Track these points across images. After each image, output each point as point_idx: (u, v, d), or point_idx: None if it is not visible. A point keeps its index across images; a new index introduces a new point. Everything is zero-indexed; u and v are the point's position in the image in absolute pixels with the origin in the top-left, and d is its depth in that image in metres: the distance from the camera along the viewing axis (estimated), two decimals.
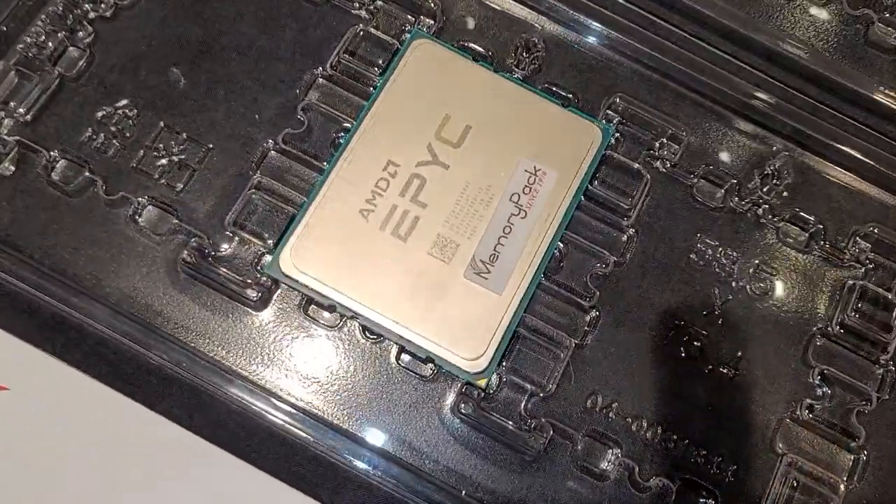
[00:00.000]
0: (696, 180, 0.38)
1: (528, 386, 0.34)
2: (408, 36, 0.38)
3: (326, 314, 0.34)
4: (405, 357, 0.34)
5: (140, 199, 0.35)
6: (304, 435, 0.32)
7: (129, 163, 0.35)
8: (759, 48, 0.39)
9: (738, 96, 0.39)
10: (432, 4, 0.38)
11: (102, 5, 0.37)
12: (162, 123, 0.36)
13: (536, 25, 0.39)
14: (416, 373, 0.34)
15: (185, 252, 0.34)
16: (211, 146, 0.36)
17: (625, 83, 0.38)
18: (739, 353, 0.36)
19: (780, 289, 0.37)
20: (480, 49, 0.38)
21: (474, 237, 0.34)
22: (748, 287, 0.36)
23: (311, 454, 0.32)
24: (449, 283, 0.33)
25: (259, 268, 0.34)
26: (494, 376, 0.34)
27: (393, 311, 0.33)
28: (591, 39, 0.39)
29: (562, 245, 0.36)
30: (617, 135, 0.38)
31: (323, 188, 0.34)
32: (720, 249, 0.37)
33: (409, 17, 0.38)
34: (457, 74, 0.37)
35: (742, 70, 0.39)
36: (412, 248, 0.34)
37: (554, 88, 0.38)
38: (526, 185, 0.35)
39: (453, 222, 0.34)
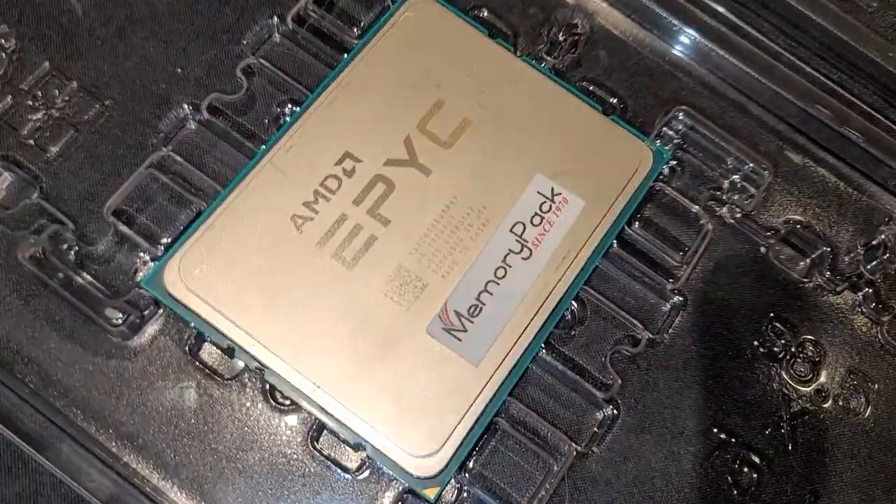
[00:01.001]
0: (774, 241, 0.27)
1: None
2: None
3: (220, 358, 0.24)
4: (325, 439, 0.23)
5: None
6: None
7: None
8: (882, 75, 0.28)
9: (847, 134, 0.28)
10: None
11: None
12: (48, 64, 0.26)
13: (581, 2, 0.29)
14: (337, 463, 0.23)
15: (33, 240, 0.23)
16: (108, 103, 0.26)
17: (692, 96, 0.28)
18: (814, 493, 0.24)
19: (879, 407, 0.26)
20: (501, 24, 0.28)
21: (451, 277, 0.23)
22: (833, 398, 0.25)
23: None
24: (404, 339, 0.23)
25: (136, 280, 0.24)
26: (451, 485, 0.23)
27: (316, 369, 0.22)
28: (655, 33, 0.29)
29: (576, 305, 0.25)
30: (674, 162, 0.27)
31: (246, 178, 0.24)
32: (797, 340, 0.26)
33: None
34: (462, 50, 0.26)
35: (855, 103, 0.28)
36: (359, 281, 0.23)
37: (594, 89, 0.28)
38: (537, 214, 0.24)
39: (424, 251, 0.24)
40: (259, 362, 0.22)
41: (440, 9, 0.27)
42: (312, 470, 0.23)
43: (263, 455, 0.23)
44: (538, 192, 0.25)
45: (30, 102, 0.25)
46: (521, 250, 0.24)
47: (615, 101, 0.28)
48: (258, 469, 0.23)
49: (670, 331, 0.25)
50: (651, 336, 0.25)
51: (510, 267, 0.24)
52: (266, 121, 0.26)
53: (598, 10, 0.29)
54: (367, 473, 0.23)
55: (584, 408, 0.24)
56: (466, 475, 0.23)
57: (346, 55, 0.27)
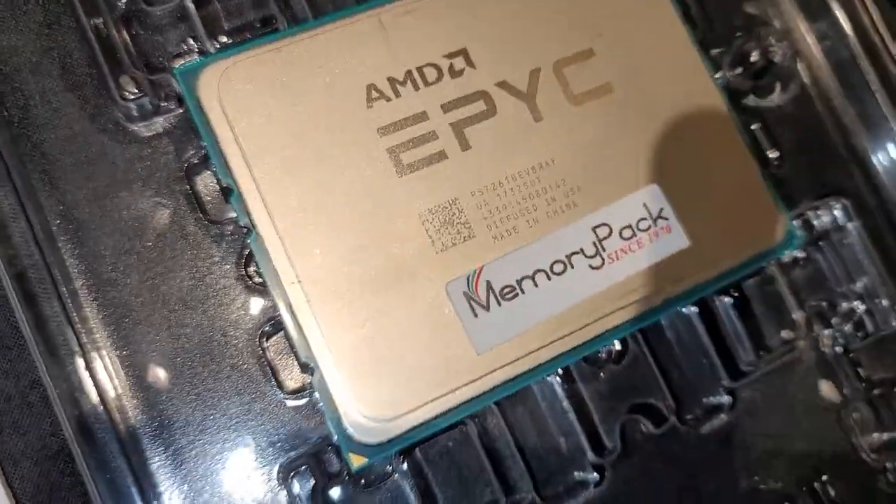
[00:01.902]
0: (859, 395, 0.22)
1: None
2: None
3: (215, 194, 0.20)
4: (277, 341, 0.19)
5: None
6: None
7: None
8: None
9: None
10: None
11: None
12: None
13: (781, 16, 0.24)
14: (275, 373, 0.19)
15: None
16: None
17: (860, 195, 0.23)
18: None
19: None
20: (696, 7, 0.23)
21: (503, 243, 0.19)
22: None
23: None
24: (417, 281, 0.19)
25: (173, 64, 0.20)
26: (381, 464, 0.19)
27: (307, 262, 0.18)
28: (856, 111, 0.24)
29: (617, 345, 0.21)
30: (800, 253, 0.22)
31: (344, 20, 0.20)
32: None
33: None
34: (643, 12, 0.22)
35: None
36: (402, 191, 0.19)
37: (758, 127, 0.23)
38: (630, 227, 0.20)
39: (489, 199, 0.19)
40: (251, 220, 0.18)
41: None
42: (247, 366, 0.19)
43: (204, 321, 0.19)
44: (644, 205, 0.20)
45: None
46: (594, 256, 0.20)
47: (774, 152, 0.23)
48: (191, 332, 0.19)
49: (702, 428, 0.21)
50: (678, 423, 0.21)
51: (572, 267, 0.19)
52: None
53: (807, 52, 0.24)
54: (300, 402, 0.19)
55: (566, 459, 0.20)
56: (404, 462, 0.19)
57: None
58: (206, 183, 0.20)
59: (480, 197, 0.19)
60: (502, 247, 0.19)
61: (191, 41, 0.20)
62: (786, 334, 0.22)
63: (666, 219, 0.20)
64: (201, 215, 0.19)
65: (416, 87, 0.20)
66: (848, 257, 0.22)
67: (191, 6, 0.20)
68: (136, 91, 0.19)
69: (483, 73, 0.20)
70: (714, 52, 0.23)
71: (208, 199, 0.20)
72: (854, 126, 0.24)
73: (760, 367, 0.21)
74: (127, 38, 0.20)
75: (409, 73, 0.20)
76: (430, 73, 0.20)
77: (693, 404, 0.21)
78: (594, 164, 0.20)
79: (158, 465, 0.18)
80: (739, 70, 0.23)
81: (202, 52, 0.20)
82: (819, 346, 0.22)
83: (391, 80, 0.20)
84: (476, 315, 0.19)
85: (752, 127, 0.23)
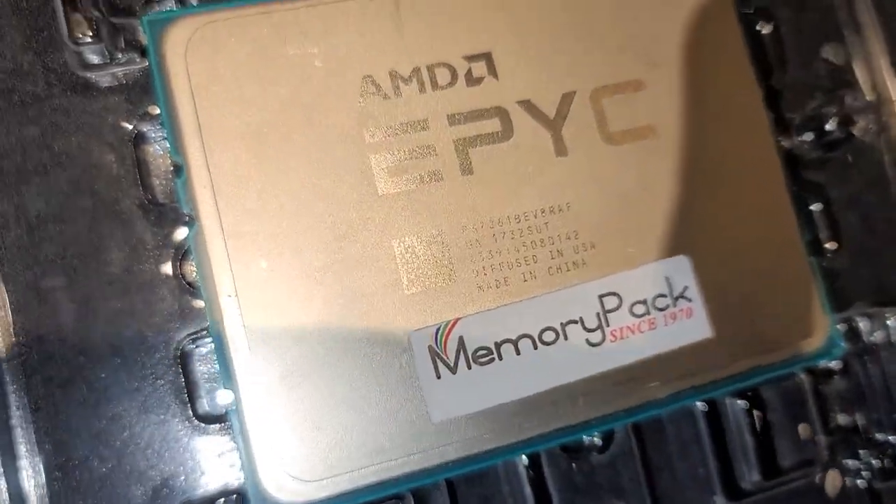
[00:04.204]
0: None
1: None
2: None
3: (163, 167, 0.17)
4: (203, 352, 0.16)
5: None
6: None
7: None
8: None
9: None
10: None
11: None
12: None
13: (867, 71, 0.20)
14: (190, 390, 0.16)
15: None
16: None
17: None
18: None
19: None
20: (773, 52, 0.20)
21: (486, 296, 0.16)
22: None
23: None
24: (376, 321, 0.15)
25: (141, 8, 0.17)
26: None
27: (250, 274, 0.15)
28: None
29: (598, 438, 0.17)
30: (838, 367, 0.19)
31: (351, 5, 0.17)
32: None
33: None
34: (711, 50, 0.18)
35: None
36: (381, 213, 0.16)
37: (818, 206, 0.19)
38: (645, 302, 0.17)
39: (483, 241, 0.16)
40: (195, 210, 0.15)
41: None
42: (160, 379, 0.16)
43: (120, 316, 0.16)
44: (666, 278, 0.17)
45: None
46: (594, 330, 0.16)
47: (832, 243, 0.19)
48: (102, 325, 0.16)
49: None
50: None
51: (565, 338, 0.16)
52: None
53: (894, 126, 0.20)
54: (213, 434, 0.16)
55: None
56: None
57: None
58: (154, 151, 0.17)
59: (472, 234, 0.16)
60: (486, 300, 0.16)
61: None
62: (802, 457, 0.18)
63: (689, 300, 0.17)
64: (143, 192, 0.16)
65: (422, 89, 0.16)
66: (894, 380, 0.19)
67: None
68: (91, 35, 0.16)
69: (506, 85, 0.17)
70: (784, 106, 0.19)
71: (156, 174, 0.17)
72: None
73: (765, 489, 0.18)
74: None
75: (416, 70, 0.16)
76: (443, 75, 0.16)
77: None
78: (617, 217, 0.17)
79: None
80: (809, 136, 0.19)
81: (181, 2, 0.17)
82: (843, 479, 0.19)
83: (393, 75, 0.16)
84: (439, 376, 0.15)
85: (812, 207, 0.19)
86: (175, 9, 0.16)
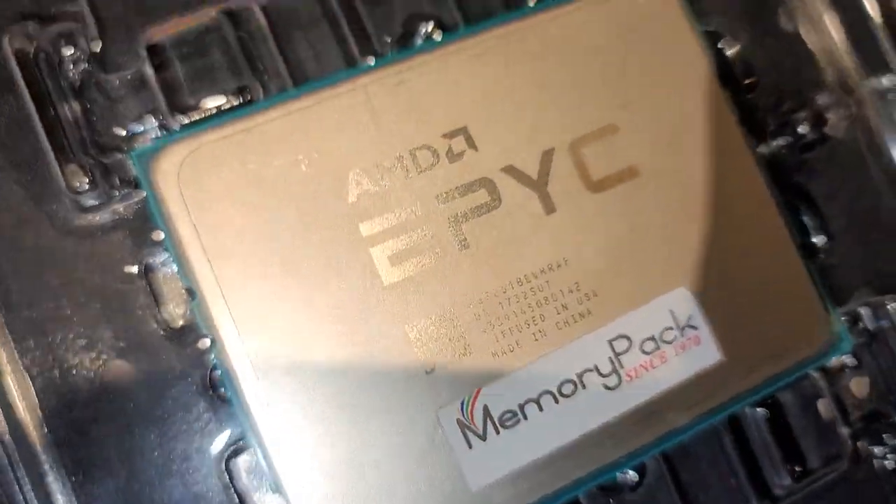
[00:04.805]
0: None
1: None
2: None
3: (177, 291, 0.17)
4: (240, 459, 0.17)
5: None
6: None
7: None
8: None
9: None
10: None
11: None
12: None
13: (855, 100, 0.21)
14: (242, 494, 0.17)
15: (33, 29, 0.17)
16: None
17: None
18: None
19: None
20: (735, 55, 0.20)
21: (503, 361, 0.17)
22: None
23: None
24: (402, 404, 0.16)
25: (127, 142, 0.17)
26: None
27: (272, 377, 0.16)
28: None
29: (632, 472, 0.18)
30: (851, 360, 0.19)
31: (325, 91, 0.17)
32: None
33: None
34: (676, 78, 0.19)
35: None
36: (387, 300, 0.16)
37: (805, 208, 0.20)
38: (654, 339, 0.17)
39: (490, 309, 0.17)
40: (214, 331, 0.16)
41: (678, 11, 0.19)
42: (212, 494, 0.17)
43: (163, 441, 0.17)
44: (670, 311, 0.17)
45: None
46: (610, 374, 0.17)
47: (821, 237, 0.20)
48: (149, 453, 0.17)
49: None
50: None
51: (584, 388, 0.17)
52: (389, 37, 0.19)
53: (867, 115, 0.21)
54: None
55: None
56: None
57: (533, 1, 0.19)
58: (168, 278, 0.17)
59: (479, 307, 0.17)
60: (503, 365, 0.17)
61: (150, 117, 0.17)
62: (828, 452, 0.19)
63: (695, 328, 0.18)
64: (162, 318, 0.17)
65: (408, 174, 0.17)
66: None
67: (150, 73, 0.17)
68: (87, 182, 0.17)
69: (486, 156, 0.17)
70: (757, 116, 0.20)
71: (171, 298, 0.17)
72: None
73: (796, 492, 0.19)
74: (79, 111, 0.17)
75: (399, 157, 0.17)
76: (424, 157, 0.17)
77: None
78: (614, 263, 0.17)
79: None
80: (786, 140, 0.20)
81: (164, 128, 0.17)
82: (871, 461, 0.19)
83: (378, 166, 0.17)
84: (471, 445, 0.16)
85: (800, 208, 0.20)
86: (160, 137, 0.17)
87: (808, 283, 0.19)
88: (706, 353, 0.17)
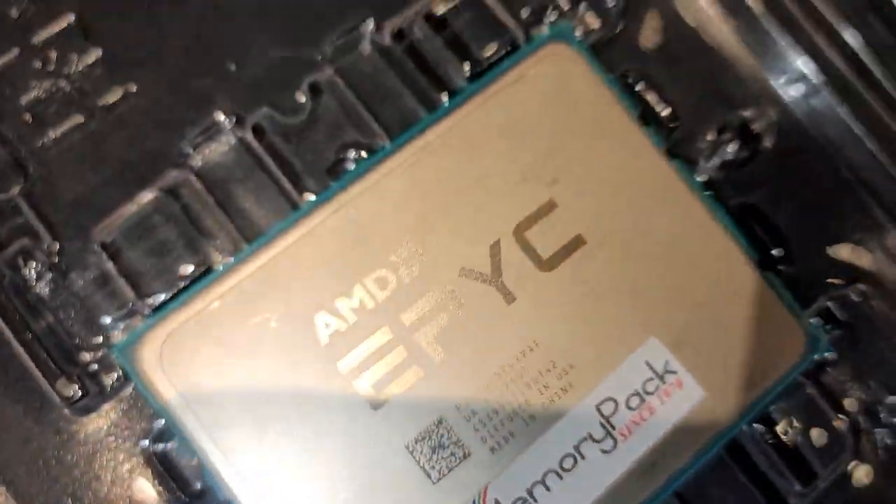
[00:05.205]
0: None
1: None
2: (545, 32, 0.21)
3: (190, 465, 0.18)
4: None
5: None
6: None
7: None
8: None
9: None
10: None
11: None
12: (73, 18, 0.20)
13: (774, 108, 0.21)
14: None
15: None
16: (134, 88, 0.20)
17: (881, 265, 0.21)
18: None
19: None
20: (655, 98, 0.21)
21: (502, 452, 0.18)
22: None
23: None
24: None
25: (106, 339, 0.18)
26: None
27: None
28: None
29: None
30: (831, 357, 0.20)
31: (277, 243, 0.18)
32: None
33: None
34: (597, 134, 0.20)
35: None
36: (380, 426, 0.17)
37: (750, 221, 0.21)
38: (637, 393, 0.18)
39: (478, 408, 0.18)
40: (231, 495, 0.17)
41: (584, 70, 0.20)
42: None
43: None
44: (646, 363, 0.18)
45: (38, 64, 0.20)
46: (604, 438, 0.18)
47: (778, 250, 0.21)
48: None
49: None
50: None
51: (583, 458, 0.18)
52: (322, 164, 0.20)
53: (791, 111, 0.21)
54: None
55: None
56: None
57: (445, 99, 0.20)
58: (178, 453, 0.18)
59: (467, 409, 0.18)
60: (502, 458, 0.17)
61: (121, 307, 0.18)
62: (831, 452, 0.20)
63: (674, 372, 0.18)
64: (181, 495, 0.18)
65: (371, 301, 0.18)
66: (879, 344, 0.20)
67: (110, 267, 0.18)
68: (78, 389, 0.18)
69: (439, 264, 0.18)
70: (686, 146, 0.21)
71: (187, 469, 0.18)
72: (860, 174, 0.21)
73: (806, 495, 0.19)
74: (52, 321, 0.18)
75: (357, 289, 0.18)
76: (381, 282, 0.18)
77: None
78: (581, 333, 0.18)
79: None
80: (720, 160, 0.21)
81: (135, 314, 0.18)
82: (875, 447, 0.20)
83: (340, 303, 0.18)
84: None
85: (750, 224, 0.20)
86: (135, 329, 0.18)
87: (773, 297, 0.19)
88: (690, 393, 0.18)
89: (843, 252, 0.21)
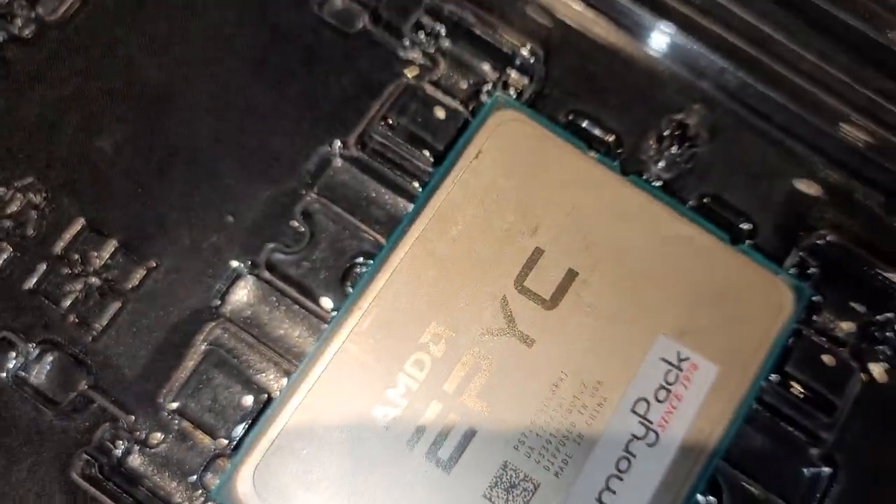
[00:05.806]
0: None
1: None
2: (486, 101, 0.23)
3: None
4: None
5: (32, 344, 0.22)
6: None
7: (23, 281, 0.22)
8: None
9: None
10: (526, 52, 0.24)
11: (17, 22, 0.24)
12: (83, 220, 0.23)
13: (699, 101, 0.24)
14: None
15: (87, 455, 0.21)
16: (154, 262, 0.22)
17: (843, 208, 0.23)
18: None
19: None
20: (598, 131, 0.24)
21: (566, 474, 0.20)
22: None
23: None
24: None
25: (203, 487, 0.21)
26: None
27: None
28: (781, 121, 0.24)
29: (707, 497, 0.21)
30: (817, 299, 0.23)
31: (318, 364, 0.21)
32: None
33: (487, 67, 0.24)
34: (559, 177, 0.22)
35: None
36: (459, 485, 0.20)
37: (716, 207, 0.23)
38: (662, 387, 0.21)
39: (533, 444, 0.20)
40: None
41: (531, 126, 0.23)
42: None
43: None
44: (662, 360, 0.21)
45: (66, 270, 0.22)
46: (646, 434, 0.20)
47: (745, 223, 0.23)
48: None
49: None
50: None
51: (634, 457, 0.20)
52: (335, 275, 0.22)
53: (721, 107, 0.24)
54: None
55: None
56: None
57: (419, 188, 0.23)
58: None
59: (524, 446, 0.20)
60: (567, 478, 0.20)
61: (203, 451, 0.21)
62: (842, 379, 0.22)
63: (686, 359, 0.21)
64: None
65: (414, 384, 0.20)
66: (855, 276, 0.23)
67: (186, 425, 0.21)
68: None
69: (461, 333, 0.21)
70: (634, 158, 0.23)
71: None
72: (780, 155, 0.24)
73: (832, 426, 0.22)
74: (148, 488, 0.21)
75: (401, 374, 0.20)
76: (419, 363, 0.20)
77: (799, 488, 0.22)
78: (599, 351, 0.21)
79: None
80: (669, 161, 0.23)
81: (216, 456, 0.21)
82: (874, 368, 0.22)
83: (391, 392, 0.20)
84: None
85: (715, 210, 0.23)
86: (224, 474, 0.20)
87: (753, 265, 0.22)
88: (706, 371, 0.21)
89: (802, 185, 0.23)
